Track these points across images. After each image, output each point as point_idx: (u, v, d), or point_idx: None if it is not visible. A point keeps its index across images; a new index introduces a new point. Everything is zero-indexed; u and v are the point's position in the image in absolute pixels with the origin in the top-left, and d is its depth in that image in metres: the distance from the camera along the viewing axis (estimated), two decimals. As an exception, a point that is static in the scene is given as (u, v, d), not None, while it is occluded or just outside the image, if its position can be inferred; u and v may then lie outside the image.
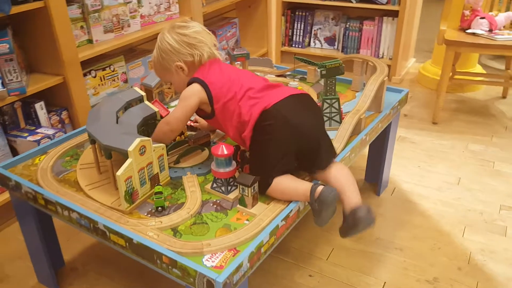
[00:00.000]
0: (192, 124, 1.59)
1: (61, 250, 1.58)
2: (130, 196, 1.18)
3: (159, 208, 1.19)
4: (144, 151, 1.19)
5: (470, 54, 2.94)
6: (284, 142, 1.22)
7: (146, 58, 2.36)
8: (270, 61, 2.09)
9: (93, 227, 1.16)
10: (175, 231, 1.12)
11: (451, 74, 2.65)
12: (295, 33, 3.40)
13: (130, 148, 1.15)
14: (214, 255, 1.04)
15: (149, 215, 1.18)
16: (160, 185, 1.23)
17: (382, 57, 3.17)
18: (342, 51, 3.29)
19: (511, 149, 2.34)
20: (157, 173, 1.26)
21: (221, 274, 0.96)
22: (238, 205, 1.20)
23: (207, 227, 1.13)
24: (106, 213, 1.18)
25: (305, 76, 2.03)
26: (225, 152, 1.20)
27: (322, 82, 1.61)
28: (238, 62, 1.91)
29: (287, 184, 1.20)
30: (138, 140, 1.17)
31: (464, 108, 2.81)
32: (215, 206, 1.22)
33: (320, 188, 1.16)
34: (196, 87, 1.31)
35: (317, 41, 3.41)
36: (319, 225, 1.20)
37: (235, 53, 1.89)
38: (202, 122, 1.57)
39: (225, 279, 0.95)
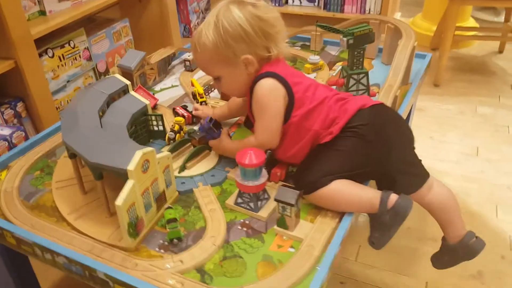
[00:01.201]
0: (187, 113, 1.28)
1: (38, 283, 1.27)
2: (135, 227, 0.89)
3: (175, 240, 0.91)
4: (148, 167, 0.89)
5: (464, 7, 2.71)
6: (372, 151, 0.97)
7: (110, 29, 1.98)
8: None
9: (89, 275, 0.86)
10: (202, 272, 0.84)
11: (449, 30, 2.42)
12: (270, -11, 3.07)
13: (131, 167, 0.84)
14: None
15: (162, 250, 0.89)
16: (171, 207, 0.94)
17: (369, 12, 2.90)
18: (324, 8, 2.99)
19: (522, 110, 2.18)
20: (164, 190, 0.97)
21: None
22: (276, 227, 0.93)
23: (243, 263, 0.86)
24: (104, 253, 0.88)
25: (307, 43, 1.74)
26: (255, 161, 0.91)
27: (328, 49, 1.33)
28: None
29: (348, 189, 0.94)
30: (139, 154, 0.86)
31: (462, 66, 2.61)
32: (244, 229, 0.94)
33: (394, 196, 0.91)
34: (275, 84, 0.98)
35: (296, -2, 3.09)
36: (379, 245, 0.96)
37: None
38: (206, 110, 1.27)
39: None
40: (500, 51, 2.71)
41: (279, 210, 0.90)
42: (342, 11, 2.94)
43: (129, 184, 0.85)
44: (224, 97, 1.37)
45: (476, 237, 1.07)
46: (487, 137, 1.98)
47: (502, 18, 3.01)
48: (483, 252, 1.05)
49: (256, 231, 0.94)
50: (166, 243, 0.91)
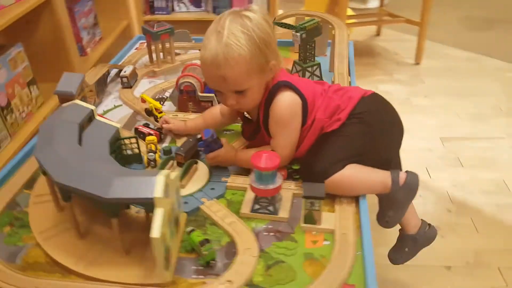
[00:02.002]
0: (153, 131, 1.19)
1: None
2: (167, 259, 0.81)
3: (211, 262, 0.85)
4: (168, 191, 0.81)
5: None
6: (376, 136, 0.99)
7: (5, 56, 1.74)
8: (187, 34, 1.73)
9: (131, 323, 0.76)
10: (254, 287, 0.80)
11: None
12: (155, -2, 2.97)
13: (158, 194, 0.77)
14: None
15: (202, 276, 0.83)
16: (194, 229, 0.88)
17: (257, 12, 2.99)
18: (214, 12, 3.00)
19: (415, 82, 2.46)
20: (178, 214, 0.90)
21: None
22: (302, 224, 0.93)
23: (288, 267, 0.84)
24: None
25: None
26: (272, 164, 0.90)
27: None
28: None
29: (361, 172, 0.96)
30: (162, 179, 0.79)
31: (351, 52, 2.85)
32: (271, 233, 0.92)
33: (402, 174, 0.97)
34: (294, 98, 0.97)
35: (181, 4, 3.03)
36: (393, 223, 1.01)
37: (156, 29, 1.49)
38: (177, 123, 1.20)
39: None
40: (378, 34, 3.01)
41: (307, 206, 0.90)
42: (231, 13, 2.98)
43: (159, 214, 0.77)
44: (183, 108, 1.31)
45: (429, 224, 1.16)
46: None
47: (369, 5, 3.35)
48: (433, 210, 1.16)
49: (284, 233, 0.92)
50: (201, 267, 0.85)
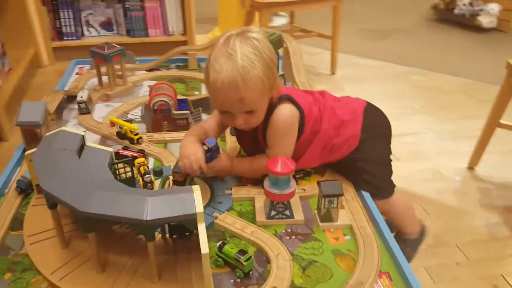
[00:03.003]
0: (136, 153, 1.14)
1: None
2: (210, 276, 0.78)
3: (250, 272, 0.84)
4: (201, 206, 0.79)
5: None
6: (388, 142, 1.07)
7: None
8: (131, 56, 1.68)
9: None
10: (298, 289, 0.82)
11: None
12: (63, 23, 2.79)
13: (199, 209, 0.75)
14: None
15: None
16: (225, 242, 0.86)
17: (173, 34, 2.97)
18: (128, 34, 2.91)
19: (337, 89, 2.63)
20: (203, 229, 0.87)
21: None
22: (321, 223, 0.96)
23: (322, 265, 0.87)
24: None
25: (181, 64, 1.73)
26: (289, 168, 0.92)
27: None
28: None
29: (404, 199, 1.08)
30: (198, 193, 0.77)
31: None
32: (293, 237, 0.94)
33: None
34: (293, 110, 1.01)
35: (91, 29, 2.90)
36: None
37: (108, 51, 1.43)
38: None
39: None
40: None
41: (325, 205, 0.94)
42: (147, 35, 2.93)
43: (203, 229, 0.75)
44: (157, 128, 1.27)
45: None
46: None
47: (274, 23, 3.52)
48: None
49: (305, 234, 0.94)
50: (238, 279, 0.83)
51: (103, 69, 1.49)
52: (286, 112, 1.00)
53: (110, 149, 0.99)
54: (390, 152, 1.13)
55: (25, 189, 1.03)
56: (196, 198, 0.76)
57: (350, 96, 1.16)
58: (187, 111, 1.26)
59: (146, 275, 0.82)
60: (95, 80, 1.58)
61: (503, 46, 3.37)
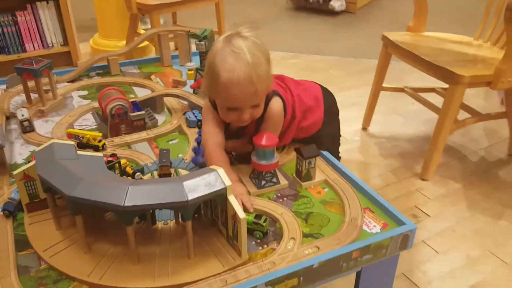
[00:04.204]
0: (109, 158, 1.17)
1: None
2: (241, 240, 0.90)
3: (267, 232, 0.97)
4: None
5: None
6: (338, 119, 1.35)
7: None
8: (15, 78, 1.62)
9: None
10: (310, 235, 0.97)
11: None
12: None
13: (228, 182, 0.86)
14: (369, 223, 1.02)
15: (266, 246, 0.94)
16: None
17: (53, 46, 2.83)
18: (2, 52, 2.70)
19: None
20: (216, 206, 0.98)
21: (408, 224, 0.99)
22: (303, 183, 1.12)
23: (319, 214, 1.04)
24: (242, 275, 0.86)
25: (101, 71, 1.73)
26: (273, 140, 1.07)
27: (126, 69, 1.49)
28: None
29: None
30: (222, 170, 0.88)
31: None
32: (285, 199, 1.09)
33: None
34: (281, 103, 1.14)
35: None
36: None
37: (37, 66, 1.40)
38: (244, 193, 1.10)
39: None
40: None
41: (306, 166, 1.10)
42: (24, 50, 2.75)
43: (233, 199, 0.87)
44: (115, 132, 1.30)
45: None
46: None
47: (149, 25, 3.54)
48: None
49: (293, 195, 1.10)
50: (258, 240, 0.96)
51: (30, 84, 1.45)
52: (278, 105, 1.13)
53: (101, 154, 1.03)
54: (339, 128, 1.36)
55: (13, 211, 1.00)
56: (222, 174, 0.87)
57: (306, 80, 1.33)
58: (143, 112, 1.32)
59: (186, 253, 0.90)
60: (18, 98, 1.52)
61: (353, 25, 3.89)
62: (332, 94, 1.34)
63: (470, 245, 1.56)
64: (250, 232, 0.96)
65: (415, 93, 2.14)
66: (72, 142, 0.98)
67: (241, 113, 1.06)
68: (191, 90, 1.48)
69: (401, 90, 2.20)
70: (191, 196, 0.83)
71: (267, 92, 1.09)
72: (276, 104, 1.13)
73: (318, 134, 1.27)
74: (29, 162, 0.99)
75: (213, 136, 1.13)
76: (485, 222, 1.67)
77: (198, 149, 1.19)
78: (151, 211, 0.96)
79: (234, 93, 1.02)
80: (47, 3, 2.73)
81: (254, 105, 1.06)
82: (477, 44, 2.01)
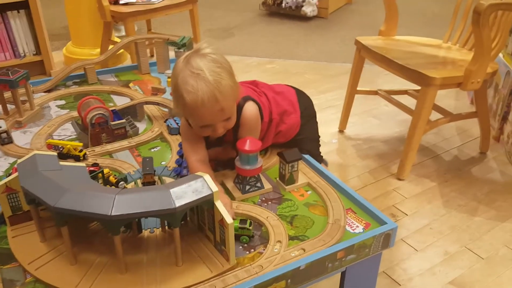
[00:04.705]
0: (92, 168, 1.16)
1: None
2: (229, 244, 0.91)
3: (252, 236, 0.99)
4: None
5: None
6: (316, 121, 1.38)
7: None
8: None
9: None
10: (295, 238, 0.99)
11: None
12: None
13: (214, 188, 0.87)
14: (352, 223, 1.04)
15: (252, 250, 0.96)
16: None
17: (25, 55, 2.78)
18: (-27, 63, 2.64)
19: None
20: (202, 212, 0.99)
21: (390, 223, 1.02)
22: (286, 186, 1.14)
23: (303, 216, 1.06)
24: (230, 279, 0.87)
25: (77, 80, 1.72)
26: (257, 145, 1.09)
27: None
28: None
29: None
30: (208, 176, 0.89)
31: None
32: (269, 202, 1.11)
33: None
34: (256, 108, 1.15)
35: None
36: None
37: (13, 77, 1.38)
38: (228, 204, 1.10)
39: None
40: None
41: (288, 170, 1.13)
42: (-5, 60, 2.70)
43: (221, 204, 0.88)
44: (96, 142, 1.29)
45: None
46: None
47: (123, 32, 3.52)
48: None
49: (277, 199, 1.12)
50: (245, 245, 0.97)
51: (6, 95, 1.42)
52: (252, 110, 1.13)
53: (83, 164, 1.03)
54: (318, 129, 1.38)
55: (-5, 224, 0.99)
56: (208, 181, 0.88)
57: (280, 84, 1.35)
58: (124, 120, 1.32)
59: (173, 261, 0.90)
60: (-6, 110, 1.50)
61: (325, 30, 3.95)
62: (307, 96, 1.36)
63: (447, 242, 1.61)
64: (236, 237, 0.97)
65: (388, 95, 2.19)
66: (54, 153, 0.97)
67: (215, 128, 1.07)
68: (171, 97, 1.48)
69: (375, 92, 2.25)
70: (178, 203, 0.83)
71: (237, 102, 1.10)
72: (249, 108, 1.13)
73: (298, 138, 1.29)
74: (9, 174, 0.98)
75: (194, 154, 1.14)
76: (460, 218, 1.72)
77: (182, 161, 1.20)
78: (137, 219, 0.96)
79: (201, 113, 1.02)
80: (18, 12, 2.68)
81: (224, 119, 1.07)
82: (446, 47, 2.08)
